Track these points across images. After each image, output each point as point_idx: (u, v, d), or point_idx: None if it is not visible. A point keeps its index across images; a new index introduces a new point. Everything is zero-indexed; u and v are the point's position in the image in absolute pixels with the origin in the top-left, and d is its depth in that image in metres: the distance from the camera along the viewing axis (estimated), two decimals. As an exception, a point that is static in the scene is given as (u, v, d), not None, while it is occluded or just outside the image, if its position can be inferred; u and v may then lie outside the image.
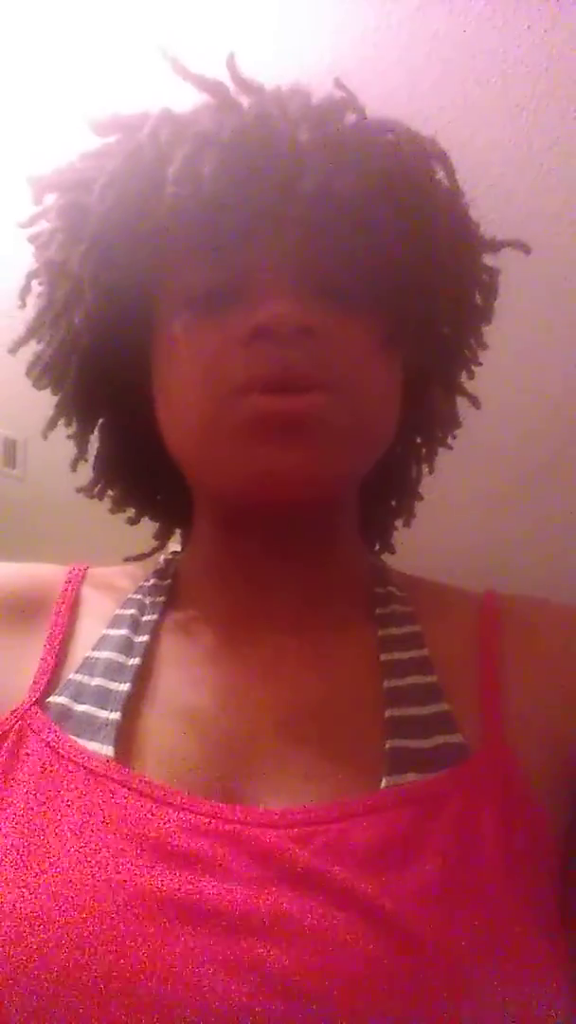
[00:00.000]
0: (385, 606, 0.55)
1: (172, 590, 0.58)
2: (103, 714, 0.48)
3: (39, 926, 0.38)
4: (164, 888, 0.39)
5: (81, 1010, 0.36)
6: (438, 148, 0.52)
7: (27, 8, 1.16)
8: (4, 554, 0.61)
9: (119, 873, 0.40)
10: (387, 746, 0.46)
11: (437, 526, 0.92)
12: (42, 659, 0.52)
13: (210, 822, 0.42)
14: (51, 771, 0.45)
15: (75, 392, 0.56)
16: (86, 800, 0.43)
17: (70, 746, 0.46)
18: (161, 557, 0.64)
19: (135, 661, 0.51)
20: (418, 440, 0.62)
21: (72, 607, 0.56)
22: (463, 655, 0.52)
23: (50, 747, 0.46)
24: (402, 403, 0.54)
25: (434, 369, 0.57)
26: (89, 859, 0.40)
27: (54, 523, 1.75)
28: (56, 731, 0.47)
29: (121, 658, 0.51)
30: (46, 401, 0.58)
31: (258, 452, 0.46)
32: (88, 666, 0.51)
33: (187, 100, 0.50)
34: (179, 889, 0.39)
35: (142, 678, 0.51)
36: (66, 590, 0.57)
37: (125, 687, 0.49)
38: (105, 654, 0.52)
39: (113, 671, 0.51)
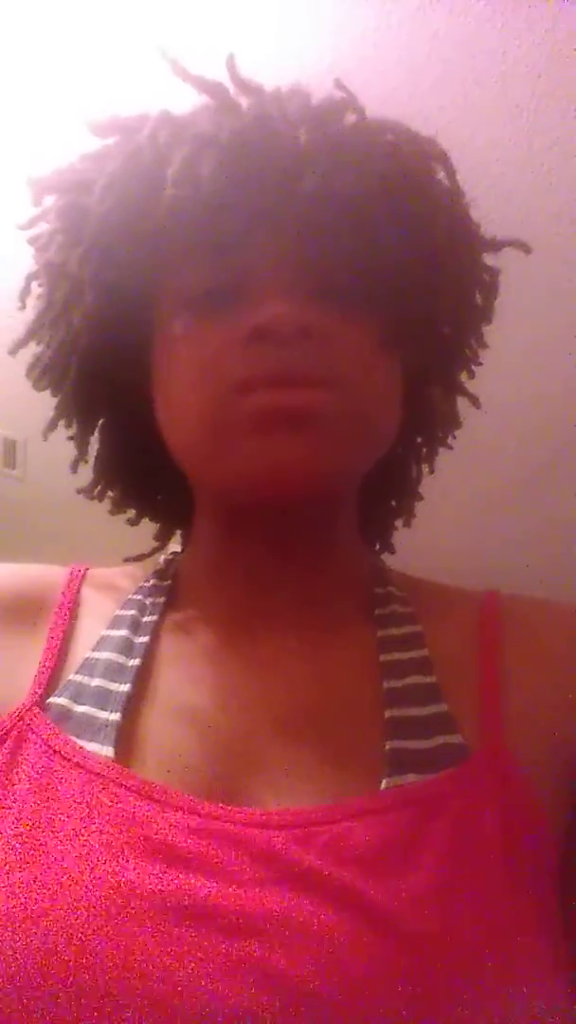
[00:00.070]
0: (385, 606, 0.55)
1: (172, 591, 0.58)
2: (103, 715, 0.48)
3: (39, 927, 0.38)
4: (164, 889, 0.39)
5: (81, 1011, 0.35)
6: (438, 148, 0.52)
7: (27, 9, 1.16)
8: (4, 555, 0.61)
9: (119, 874, 0.40)
10: (387, 747, 0.46)
11: (437, 526, 0.92)
12: (42, 660, 0.52)
13: (210, 823, 0.42)
14: (51, 772, 0.45)
15: (75, 393, 0.56)
16: (86, 801, 0.43)
17: (70, 747, 0.46)
18: (161, 558, 0.64)
19: (135, 662, 0.51)
20: (418, 440, 0.62)
21: (72, 608, 0.56)
22: (463, 655, 0.52)
23: (50, 748, 0.46)
24: (402, 403, 0.54)
25: (434, 369, 0.57)
26: (89, 860, 0.40)
27: (54, 524, 1.75)
28: (56, 732, 0.47)
29: (121, 659, 0.51)
30: (46, 402, 0.58)
31: (261, 447, 0.46)
32: (88, 667, 0.51)
33: (186, 101, 0.50)
34: (179, 890, 0.39)
35: (142, 679, 0.51)
36: (66, 591, 0.57)
37: (125, 688, 0.49)
38: (105, 655, 0.52)
39: (113, 672, 0.51)
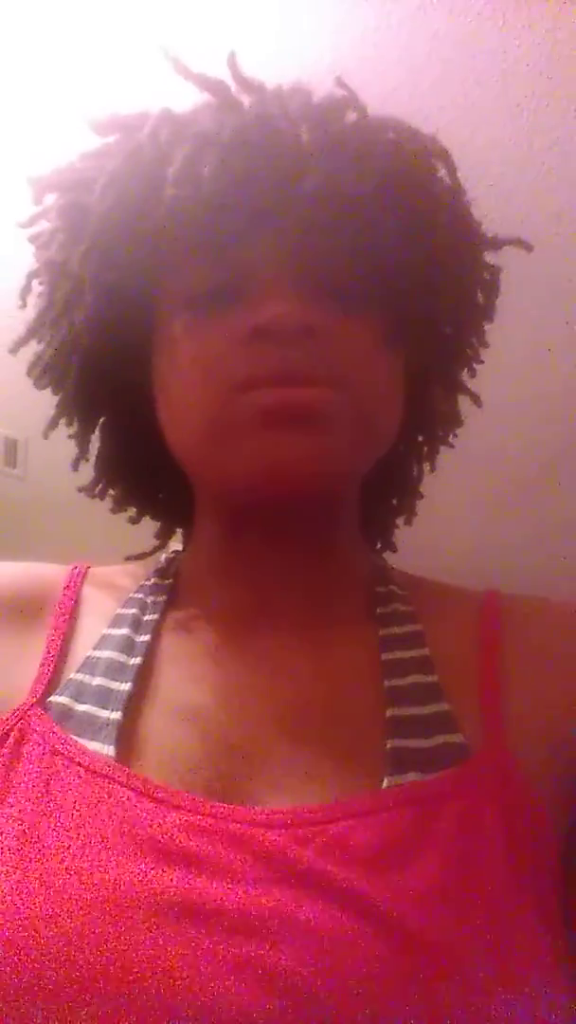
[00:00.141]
0: (386, 605, 0.55)
1: (173, 589, 0.58)
2: (104, 714, 0.48)
3: (39, 926, 0.38)
4: (165, 888, 0.39)
5: (81, 1011, 0.35)
6: (439, 146, 0.52)
7: (27, 8, 1.16)
8: (5, 554, 0.61)
9: (120, 873, 0.40)
10: (388, 746, 0.46)
11: (438, 525, 0.92)
12: (43, 659, 0.52)
13: (211, 822, 0.42)
14: (52, 771, 0.45)
15: (76, 392, 0.56)
16: (87, 800, 0.43)
17: (71, 746, 0.46)
18: (162, 556, 0.64)
19: (136, 660, 0.51)
20: (420, 438, 0.62)
21: (73, 606, 0.56)
22: (464, 654, 0.52)
23: (51, 747, 0.46)
24: (404, 401, 0.54)
25: (436, 367, 0.57)
26: (90, 859, 0.40)
27: (55, 523, 1.75)
28: (57, 731, 0.47)
29: (122, 657, 0.51)
30: (47, 401, 0.58)
31: (263, 446, 0.46)
32: (89, 665, 0.51)
33: (187, 100, 0.50)
34: (180, 889, 0.39)
35: (143, 677, 0.50)
36: (67, 589, 0.57)
37: (126, 687, 0.49)
38: (106, 653, 0.52)
39: (114, 670, 0.50)
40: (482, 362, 0.60)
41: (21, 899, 0.39)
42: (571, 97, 1.17)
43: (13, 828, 0.42)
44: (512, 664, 0.51)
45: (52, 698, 0.50)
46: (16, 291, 0.56)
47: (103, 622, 0.55)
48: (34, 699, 0.49)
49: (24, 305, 0.56)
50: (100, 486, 0.63)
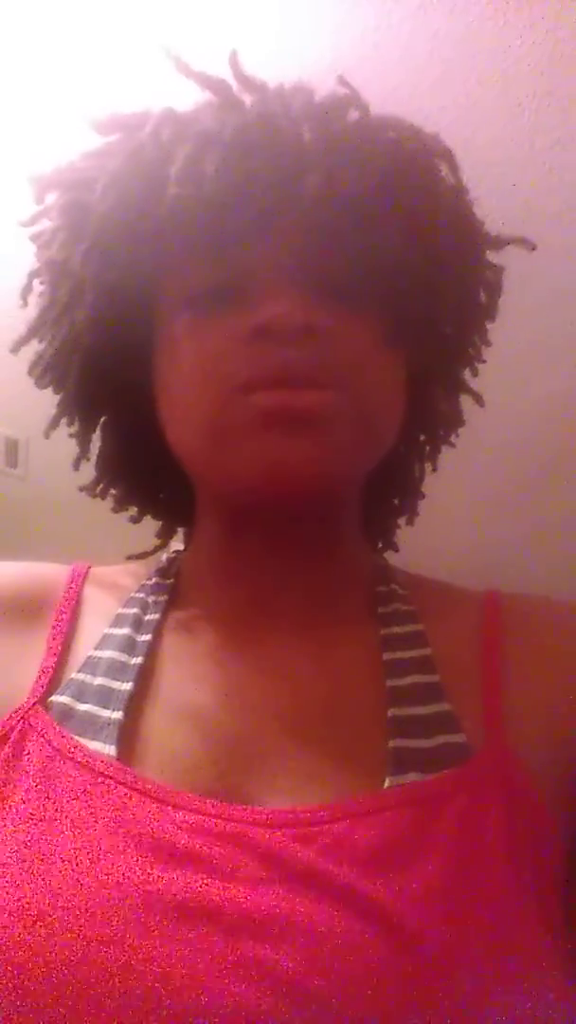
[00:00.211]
0: (387, 605, 0.55)
1: (175, 589, 0.58)
2: (105, 713, 0.48)
3: (41, 926, 0.38)
4: (166, 888, 0.39)
5: (82, 1010, 0.35)
6: (442, 145, 0.52)
7: (28, 6, 1.16)
8: (6, 554, 0.61)
9: (121, 873, 0.40)
10: (389, 746, 0.46)
11: (440, 525, 0.92)
12: (44, 658, 0.52)
13: (212, 822, 0.42)
14: (53, 771, 0.45)
15: (77, 391, 0.56)
16: (88, 800, 0.43)
17: (72, 746, 0.46)
18: (164, 555, 0.64)
19: (138, 660, 0.51)
20: (421, 438, 0.62)
21: (75, 606, 0.56)
22: (465, 654, 0.52)
23: (52, 747, 0.46)
24: (406, 401, 0.53)
25: (438, 367, 0.57)
26: (91, 859, 0.40)
27: (56, 523, 1.75)
28: (58, 731, 0.47)
29: (124, 657, 0.51)
30: (48, 400, 0.58)
31: (265, 447, 0.46)
32: (90, 665, 0.51)
33: (189, 99, 0.50)
34: (181, 889, 0.39)
35: (145, 677, 0.50)
36: (69, 589, 0.57)
37: (128, 686, 0.49)
38: (108, 653, 0.52)
39: (116, 670, 0.50)
40: (484, 361, 0.60)
41: (22, 899, 0.39)
42: (573, 96, 1.17)
43: (14, 828, 0.42)
44: (513, 664, 0.51)
45: (53, 698, 0.50)
46: (17, 290, 0.56)
47: (104, 622, 0.55)
48: (35, 699, 0.49)
49: (25, 304, 0.56)
50: (101, 485, 0.63)
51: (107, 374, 0.55)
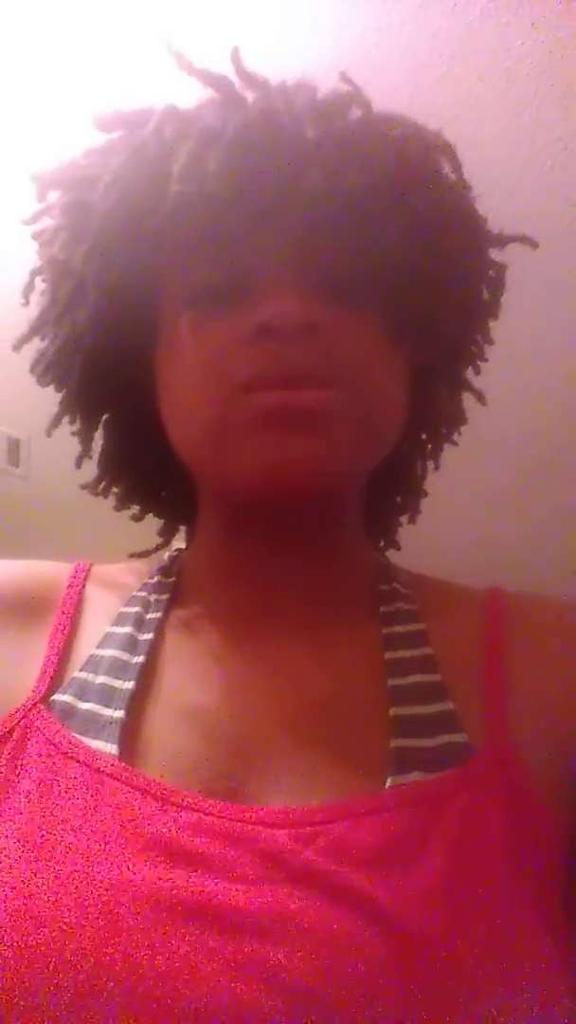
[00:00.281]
0: (389, 604, 0.55)
1: (177, 587, 0.58)
2: (107, 712, 0.48)
3: (43, 924, 0.38)
4: (167, 887, 0.39)
5: (83, 1009, 0.35)
6: (444, 142, 0.52)
7: (30, 4, 1.16)
8: (8, 552, 0.61)
9: (122, 872, 0.40)
10: (391, 745, 0.46)
11: (442, 523, 0.92)
12: (46, 657, 0.52)
13: (214, 821, 0.42)
14: (55, 769, 0.45)
15: (79, 390, 0.56)
16: (90, 799, 0.43)
17: (74, 744, 0.46)
18: (166, 554, 0.63)
19: (139, 659, 0.51)
20: (423, 437, 0.62)
21: (76, 605, 0.56)
22: (468, 653, 0.52)
23: (54, 745, 0.46)
24: (408, 400, 0.53)
25: (440, 365, 0.57)
26: (93, 858, 0.40)
27: (58, 521, 1.74)
28: (60, 729, 0.47)
29: (125, 656, 0.51)
30: (49, 399, 0.58)
31: (266, 446, 0.46)
32: (92, 664, 0.51)
33: (191, 96, 0.50)
34: (183, 888, 0.39)
35: (146, 676, 0.50)
36: (70, 588, 0.57)
37: (129, 685, 0.49)
38: (109, 652, 0.52)
39: (117, 669, 0.50)
40: (486, 360, 0.60)
41: (24, 897, 0.39)
42: (574, 94, 1.17)
43: (16, 827, 0.42)
44: (516, 663, 0.51)
45: (55, 696, 0.50)
46: (19, 288, 0.56)
47: (106, 620, 0.55)
48: (37, 697, 0.49)
49: (27, 303, 0.56)
50: (103, 484, 0.63)
51: (109, 373, 0.55)
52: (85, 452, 0.61)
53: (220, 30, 1.08)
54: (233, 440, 0.47)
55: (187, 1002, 0.36)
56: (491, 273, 0.56)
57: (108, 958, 0.37)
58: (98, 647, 0.53)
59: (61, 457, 0.61)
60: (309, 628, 0.53)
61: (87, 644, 0.53)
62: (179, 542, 0.67)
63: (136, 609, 0.55)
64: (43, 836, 0.42)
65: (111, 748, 0.46)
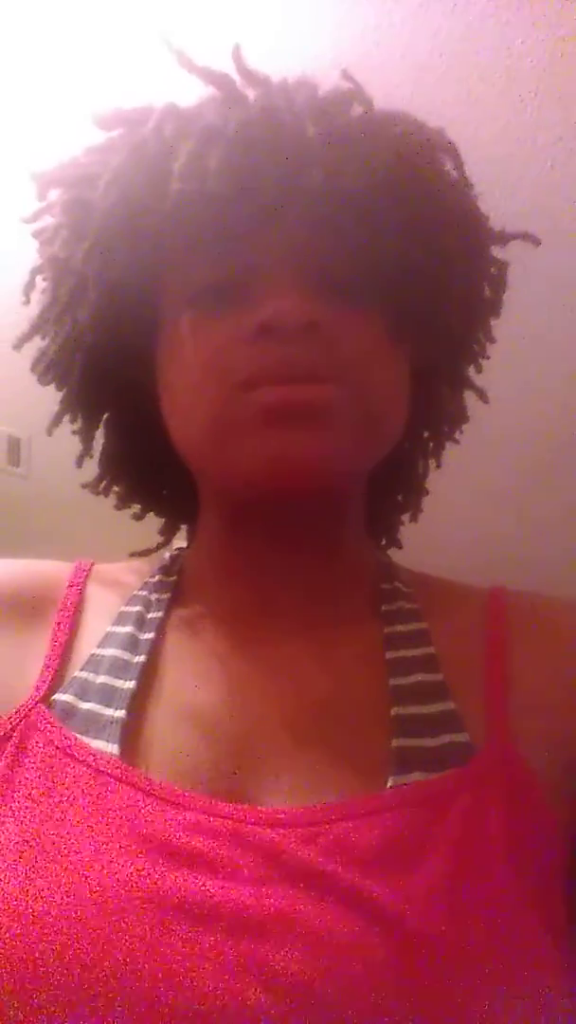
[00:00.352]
0: (391, 603, 0.55)
1: (178, 586, 0.58)
2: (108, 712, 0.48)
3: (44, 924, 0.38)
4: (168, 887, 0.39)
5: (84, 1009, 0.35)
6: (446, 140, 0.52)
7: (31, 3, 1.16)
8: (9, 552, 0.61)
9: (123, 872, 0.40)
10: (393, 745, 0.46)
11: (443, 521, 0.92)
12: (47, 656, 0.52)
13: (215, 821, 0.42)
14: (56, 769, 0.45)
15: (79, 388, 0.56)
16: (91, 798, 0.43)
17: (75, 744, 0.46)
18: (167, 553, 0.63)
19: (140, 659, 0.51)
20: (425, 435, 0.62)
21: (77, 604, 0.56)
22: (470, 652, 0.52)
23: (55, 745, 0.46)
24: (410, 398, 0.53)
25: (442, 363, 0.57)
26: (94, 858, 0.40)
27: (59, 521, 1.75)
28: (61, 729, 0.47)
29: (126, 655, 0.51)
30: (50, 398, 0.58)
31: (268, 443, 0.46)
32: (93, 664, 0.51)
33: (192, 94, 0.50)
34: (183, 888, 0.39)
35: (147, 676, 0.50)
36: (71, 587, 0.57)
37: (130, 685, 0.49)
38: (110, 651, 0.52)
39: (118, 669, 0.50)
40: (488, 358, 0.59)
41: (25, 897, 0.39)
42: (574, 92, 1.17)
43: (17, 827, 0.42)
44: (518, 662, 0.51)
45: (56, 696, 0.50)
46: (19, 287, 0.56)
47: (107, 620, 0.55)
48: (38, 697, 0.49)
49: (27, 301, 0.56)
50: (104, 483, 0.63)
51: (109, 371, 0.55)
52: (86, 451, 0.61)
53: (221, 28, 1.08)
54: (234, 437, 0.47)
55: (187, 1002, 0.36)
56: (493, 271, 0.56)
57: (108, 958, 0.36)
58: (99, 646, 0.53)
59: (62, 456, 0.61)
60: (310, 627, 0.53)
61: (88, 643, 0.53)
62: (180, 541, 0.67)
63: (137, 608, 0.55)
64: (44, 836, 0.42)
65: (112, 748, 0.46)
